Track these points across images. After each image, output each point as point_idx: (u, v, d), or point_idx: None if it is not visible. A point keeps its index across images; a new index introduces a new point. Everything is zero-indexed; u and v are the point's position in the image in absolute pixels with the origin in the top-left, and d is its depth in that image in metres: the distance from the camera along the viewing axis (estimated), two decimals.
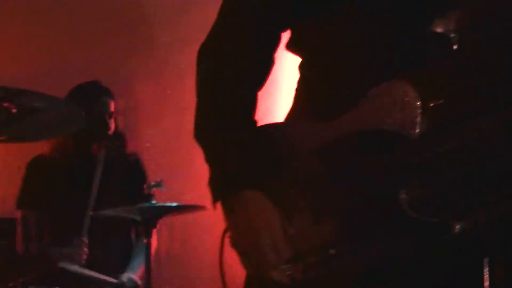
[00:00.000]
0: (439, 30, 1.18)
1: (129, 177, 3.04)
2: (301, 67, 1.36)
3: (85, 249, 2.74)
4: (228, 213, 1.22)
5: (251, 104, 1.29)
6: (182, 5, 3.82)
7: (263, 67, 1.32)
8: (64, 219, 2.87)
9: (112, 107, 3.04)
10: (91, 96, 2.99)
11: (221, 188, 1.23)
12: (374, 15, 1.24)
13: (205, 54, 1.32)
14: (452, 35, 1.17)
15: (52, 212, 2.91)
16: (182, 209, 2.96)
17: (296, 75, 1.39)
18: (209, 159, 1.26)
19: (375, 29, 1.24)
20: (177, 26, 3.78)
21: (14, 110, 2.12)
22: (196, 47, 1.34)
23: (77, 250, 2.72)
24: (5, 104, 2.08)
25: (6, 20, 3.78)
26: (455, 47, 1.16)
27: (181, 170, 3.64)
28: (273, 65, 1.33)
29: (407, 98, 1.09)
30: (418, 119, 1.07)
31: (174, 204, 2.83)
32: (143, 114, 3.83)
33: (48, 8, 3.80)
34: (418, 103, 1.07)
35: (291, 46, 1.37)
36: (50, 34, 3.76)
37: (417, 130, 1.07)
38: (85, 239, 2.75)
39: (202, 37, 1.34)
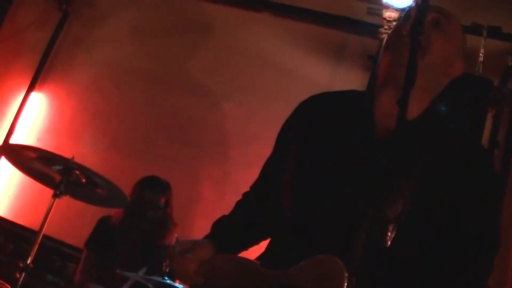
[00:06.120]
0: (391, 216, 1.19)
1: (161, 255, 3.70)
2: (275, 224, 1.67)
3: None
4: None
5: (243, 239, 1.71)
6: None
7: (259, 231, 1.72)
8: (107, 264, 3.67)
9: (161, 200, 3.84)
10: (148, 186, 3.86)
11: None
12: (328, 197, 1.47)
13: (243, 196, 1.80)
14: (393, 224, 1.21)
15: (101, 257, 3.76)
16: None
17: None
18: None
19: (325, 208, 1.47)
20: None
21: (83, 181, 3.06)
22: None
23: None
24: (77, 172, 2.99)
25: None
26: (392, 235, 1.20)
27: None
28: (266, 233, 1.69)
29: (335, 272, 1.21)
30: None
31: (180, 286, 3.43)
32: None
33: None
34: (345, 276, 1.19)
35: None
36: None
37: None
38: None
39: None
